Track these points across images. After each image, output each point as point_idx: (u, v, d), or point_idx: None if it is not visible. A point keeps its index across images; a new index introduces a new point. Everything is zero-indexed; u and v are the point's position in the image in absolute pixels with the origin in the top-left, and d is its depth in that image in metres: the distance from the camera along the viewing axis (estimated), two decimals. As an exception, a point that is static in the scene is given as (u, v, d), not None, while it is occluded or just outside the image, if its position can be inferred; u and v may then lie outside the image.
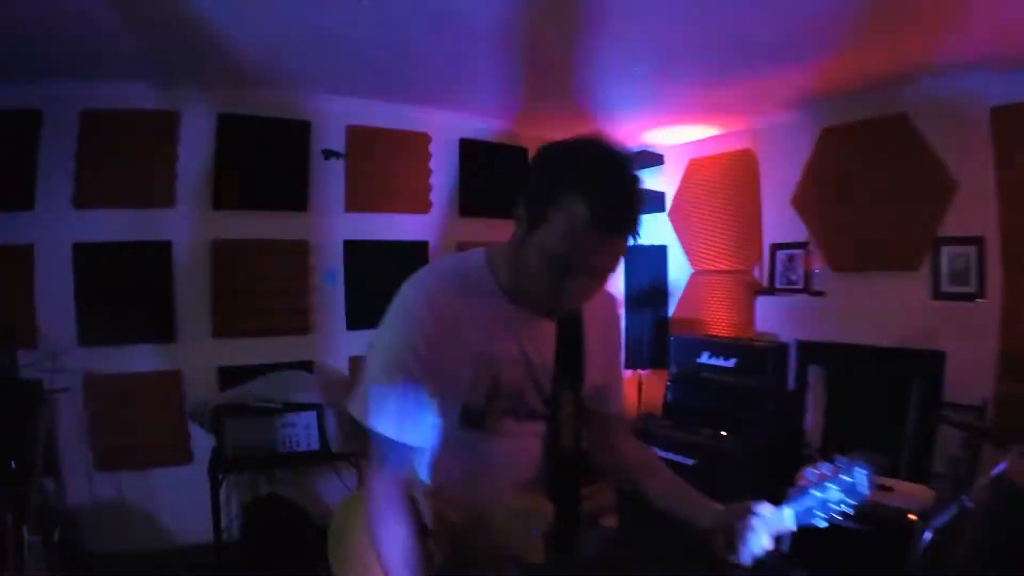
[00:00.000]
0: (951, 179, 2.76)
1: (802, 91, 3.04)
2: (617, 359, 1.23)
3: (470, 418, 0.97)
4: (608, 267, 0.89)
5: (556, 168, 0.87)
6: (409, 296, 0.95)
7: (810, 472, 0.96)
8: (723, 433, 2.94)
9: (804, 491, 0.95)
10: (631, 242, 0.88)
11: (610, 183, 0.84)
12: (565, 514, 1.05)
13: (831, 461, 0.97)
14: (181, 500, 2.80)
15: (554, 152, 0.88)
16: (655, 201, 4.31)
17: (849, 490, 0.94)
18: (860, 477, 0.95)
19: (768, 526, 0.91)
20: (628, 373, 4.45)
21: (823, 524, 0.94)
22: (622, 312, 1.18)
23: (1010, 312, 2.60)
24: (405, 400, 0.92)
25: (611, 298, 1.16)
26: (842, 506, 0.94)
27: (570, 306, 0.92)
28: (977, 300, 2.70)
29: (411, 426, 0.93)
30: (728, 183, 3.86)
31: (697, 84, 2.97)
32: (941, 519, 1.71)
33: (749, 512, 0.92)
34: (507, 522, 1.02)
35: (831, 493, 0.94)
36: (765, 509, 0.92)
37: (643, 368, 4.27)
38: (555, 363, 1.03)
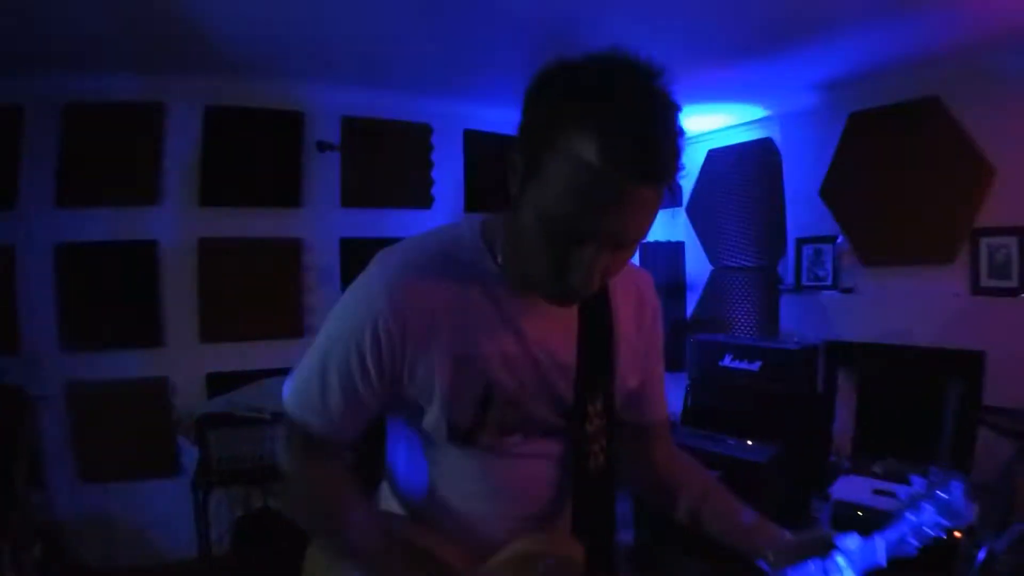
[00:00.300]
0: (989, 165, 2.67)
1: (827, 73, 2.97)
2: (657, 353, 1.00)
3: (457, 434, 0.81)
4: (633, 230, 0.69)
5: (555, 94, 0.67)
6: (373, 277, 0.79)
7: (903, 491, 0.88)
8: (749, 443, 2.88)
9: (898, 515, 0.84)
10: (664, 196, 0.68)
11: (630, 108, 0.63)
12: (595, 560, 0.86)
13: (926, 475, 0.88)
14: (170, 514, 2.77)
15: (554, 73, 0.68)
16: (671, 195, 4.25)
17: (945, 509, 0.83)
18: (956, 492, 0.83)
19: (855, 563, 0.79)
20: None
21: (914, 553, 0.82)
22: (655, 293, 0.98)
23: (1056, 308, 2.52)
24: (332, 387, 0.79)
25: (645, 276, 0.98)
26: (937, 529, 0.83)
27: (583, 289, 0.72)
28: (1020, 295, 2.61)
29: (329, 416, 0.81)
30: (749, 174, 3.80)
31: (714, 66, 2.90)
32: (1001, 542, 1.62)
33: (830, 546, 0.79)
34: (513, 570, 0.84)
35: (926, 515, 0.82)
36: (851, 542, 0.80)
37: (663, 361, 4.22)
38: (577, 363, 0.84)
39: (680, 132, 0.67)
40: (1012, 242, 2.64)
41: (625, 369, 0.91)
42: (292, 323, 3.09)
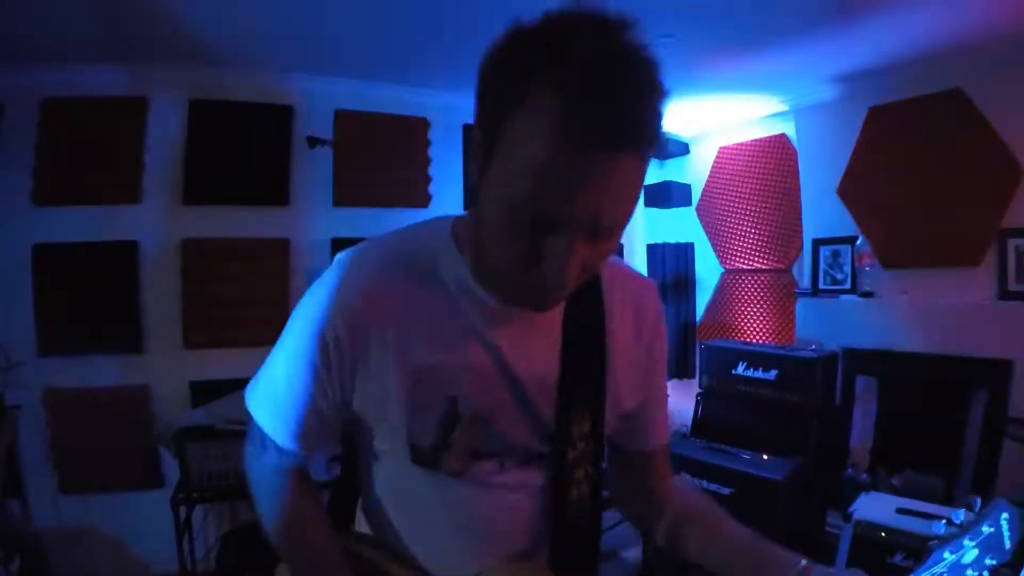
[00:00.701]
0: (1016, 162, 2.65)
1: (845, 64, 2.95)
2: (658, 372, 0.91)
3: (420, 456, 0.77)
4: (611, 212, 0.60)
5: (510, 57, 0.60)
6: (327, 282, 0.76)
7: (940, 527, 0.83)
8: (765, 457, 2.86)
9: (935, 554, 0.78)
10: (649, 166, 0.61)
11: (595, 64, 0.55)
12: None
13: (970, 508, 0.84)
14: (153, 526, 2.73)
15: (509, 35, 0.61)
16: (681, 194, 4.25)
17: (990, 544, 0.77)
18: (1004, 525, 0.77)
19: None
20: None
21: None
22: (661, 305, 0.87)
23: (1090, 314, 2.51)
24: (287, 396, 0.79)
25: (646, 283, 0.89)
26: (982, 567, 0.76)
27: (558, 290, 0.65)
28: (1051, 301, 2.61)
29: (288, 425, 0.80)
30: (762, 172, 3.79)
31: (726, 56, 2.88)
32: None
33: None
34: None
35: (968, 553, 0.77)
36: None
37: (667, 378, 4.22)
38: (560, 380, 0.78)
39: (659, 88, 0.59)
40: (1042, 244, 2.64)
41: (621, 387, 0.84)
42: (280, 329, 3.04)
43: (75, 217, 2.80)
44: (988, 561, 0.75)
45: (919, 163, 2.96)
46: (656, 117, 0.58)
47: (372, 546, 0.87)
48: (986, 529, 0.77)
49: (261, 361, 2.86)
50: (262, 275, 3.07)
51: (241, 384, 2.95)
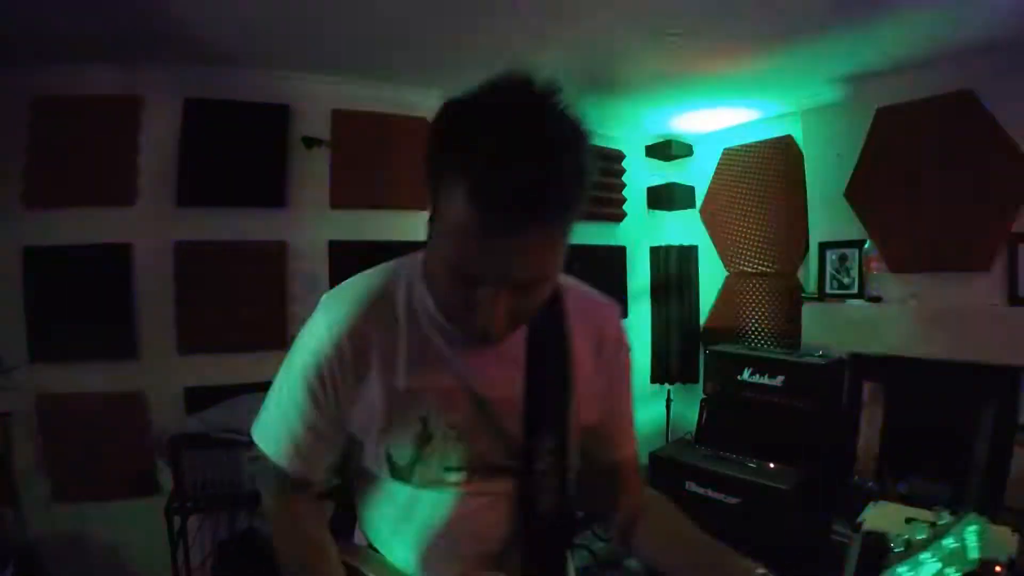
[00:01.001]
0: (1029, 165, 2.68)
1: (854, 64, 2.98)
2: (622, 388, 1.02)
3: (397, 469, 0.88)
4: (525, 273, 0.71)
5: (440, 134, 0.71)
6: (317, 321, 0.89)
7: (898, 540, 0.85)
8: (771, 466, 2.87)
9: (889, 571, 0.80)
10: (563, 231, 0.71)
11: (504, 148, 0.63)
12: None
13: (933, 523, 0.86)
14: (149, 535, 2.71)
15: (446, 107, 0.72)
16: (684, 196, 4.27)
17: (953, 557, 0.79)
18: (971, 538, 0.79)
19: None
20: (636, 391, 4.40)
21: None
22: (622, 324, 1.01)
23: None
24: (296, 426, 0.90)
25: (608, 308, 1.00)
26: None
27: (491, 331, 0.75)
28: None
29: (300, 455, 0.91)
30: (768, 174, 3.81)
31: (731, 55, 2.90)
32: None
33: None
34: None
35: (926, 567, 0.79)
36: None
37: (670, 383, 4.24)
38: (525, 399, 0.88)
39: (579, 159, 0.68)
40: (1053, 249, 2.65)
41: (583, 403, 0.93)
42: (276, 334, 3.06)
43: (67, 219, 2.78)
44: (950, 572, 0.77)
45: (928, 166, 2.97)
46: (566, 192, 0.67)
47: (364, 558, 0.97)
48: (948, 543, 0.79)
49: (258, 367, 2.90)
50: (259, 278, 3.07)
51: (237, 390, 2.97)
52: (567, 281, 0.95)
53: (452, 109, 0.71)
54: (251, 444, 0.97)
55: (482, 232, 0.66)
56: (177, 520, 2.52)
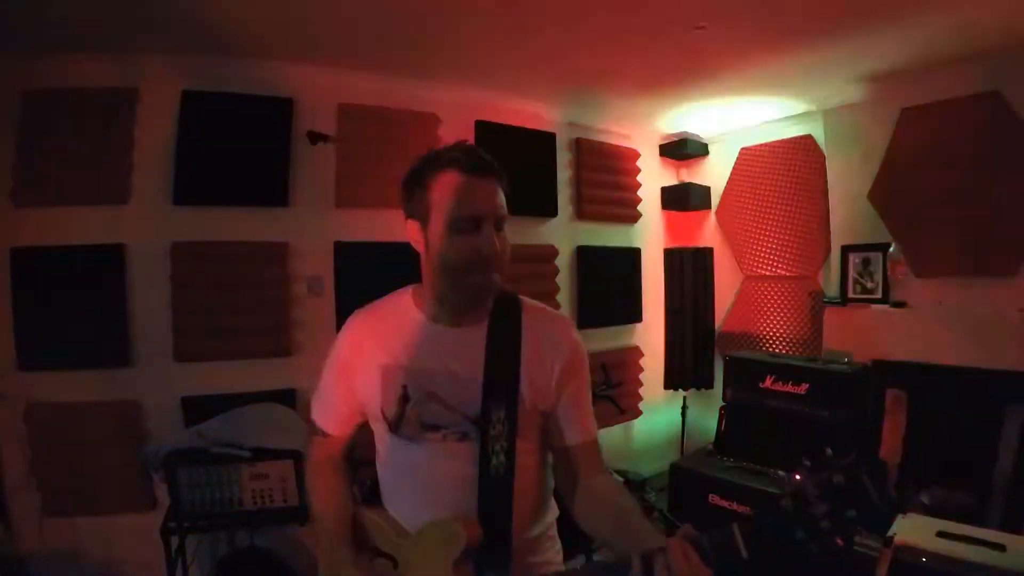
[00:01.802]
0: (1056, 169, 2.76)
1: (877, 63, 3.06)
2: (578, 384, 1.31)
3: (389, 423, 1.27)
4: (497, 208, 1.18)
5: (418, 167, 1.21)
6: (345, 326, 1.37)
7: (970, 531, 0.86)
8: (797, 477, 2.93)
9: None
10: (503, 189, 1.21)
11: (461, 147, 1.21)
12: (493, 542, 1.19)
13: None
14: (144, 551, 2.72)
15: (420, 157, 1.23)
16: (699, 197, 4.35)
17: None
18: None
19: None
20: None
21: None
22: (575, 334, 1.34)
23: None
24: (324, 395, 1.39)
25: (562, 320, 1.35)
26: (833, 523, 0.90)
27: (496, 256, 1.17)
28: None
29: (324, 414, 1.40)
30: (787, 174, 3.89)
31: (751, 53, 2.98)
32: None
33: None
34: (423, 545, 1.22)
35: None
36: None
37: (684, 388, 4.31)
38: (484, 375, 1.21)
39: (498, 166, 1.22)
40: (1082, 254, 2.75)
41: (530, 386, 1.24)
42: (278, 340, 3.08)
43: (57, 218, 2.78)
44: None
45: (954, 167, 3.06)
46: (498, 166, 1.21)
47: (372, 507, 1.37)
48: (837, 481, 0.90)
49: (258, 375, 3.04)
50: (259, 281, 3.08)
51: (237, 400, 2.99)
52: (529, 300, 1.32)
53: (426, 156, 1.22)
54: (257, 455, 1.18)
55: (469, 181, 1.15)
56: (174, 541, 2.51)
